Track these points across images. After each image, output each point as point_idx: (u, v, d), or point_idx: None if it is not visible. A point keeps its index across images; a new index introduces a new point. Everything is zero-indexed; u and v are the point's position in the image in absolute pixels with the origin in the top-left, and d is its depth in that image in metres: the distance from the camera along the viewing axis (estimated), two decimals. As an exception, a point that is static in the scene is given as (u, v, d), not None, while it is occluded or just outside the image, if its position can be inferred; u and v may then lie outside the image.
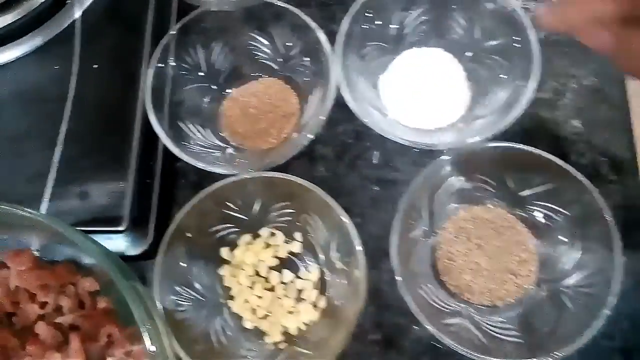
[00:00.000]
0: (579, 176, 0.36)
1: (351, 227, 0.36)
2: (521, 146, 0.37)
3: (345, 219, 0.36)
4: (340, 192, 0.44)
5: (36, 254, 0.39)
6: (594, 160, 0.43)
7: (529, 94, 0.38)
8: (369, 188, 0.44)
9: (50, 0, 0.48)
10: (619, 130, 0.44)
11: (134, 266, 0.43)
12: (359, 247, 0.35)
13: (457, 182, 0.39)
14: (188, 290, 0.39)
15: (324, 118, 0.39)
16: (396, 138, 0.39)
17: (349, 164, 0.45)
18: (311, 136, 0.38)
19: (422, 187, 0.37)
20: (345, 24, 0.40)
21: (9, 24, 0.47)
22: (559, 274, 0.39)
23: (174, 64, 0.43)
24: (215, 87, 0.46)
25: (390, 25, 0.44)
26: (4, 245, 0.39)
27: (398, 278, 0.34)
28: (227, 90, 0.46)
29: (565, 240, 0.39)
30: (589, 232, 0.37)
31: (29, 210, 0.36)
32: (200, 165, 0.38)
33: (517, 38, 0.40)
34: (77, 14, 0.48)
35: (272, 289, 0.41)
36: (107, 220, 0.42)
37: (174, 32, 0.42)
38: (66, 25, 0.48)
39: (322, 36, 0.40)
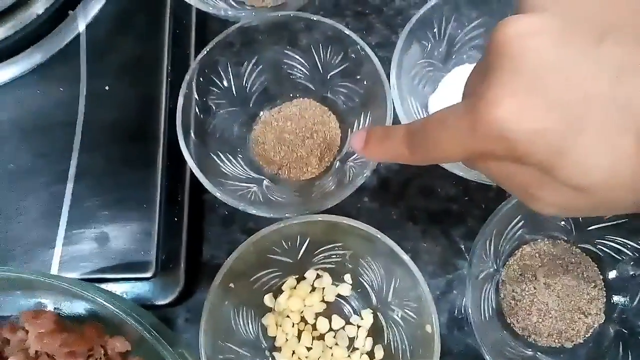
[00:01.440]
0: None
1: (419, 276, 0.32)
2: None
3: (412, 266, 0.32)
4: (388, 224, 0.40)
5: (56, 310, 0.34)
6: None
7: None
8: (418, 219, 0.40)
9: (50, 11, 0.42)
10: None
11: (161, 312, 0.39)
12: (429, 299, 0.31)
13: (524, 219, 0.36)
14: (231, 346, 0.34)
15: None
16: (453, 169, 0.35)
17: (396, 192, 0.41)
18: (368, 173, 0.34)
19: (489, 234, 0.34)
20: (400, 42, 0.36)
21: (3, 39, 0.41)
22: (631, 312, 0.36)
23: (201, 86, 0.38)
24: (245, 110, 0.41)
25: (441, 41, 0.40)
26: (20, 304, 0.34)
27: (478, 340, 0.31)
28: (258, 114, 0.41)
29: (637, 274, 0.36)
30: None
31: (36, 273, 0.31)
32: (241, 206, 0.34)
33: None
34: (82, 26, 0.43)
35: (321, 338, 0.37)
36: (131, 266, 0.37)
37: (204, 55, 0.37)
38: (69, 39, 0.42)
39: (374, 57, 0.36)
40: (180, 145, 0.35)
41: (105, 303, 0.30)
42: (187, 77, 0.37)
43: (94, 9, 0.43)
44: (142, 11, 0.42)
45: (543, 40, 0.17)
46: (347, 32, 0.36)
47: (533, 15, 0.18)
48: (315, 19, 0.37)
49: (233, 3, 0.44)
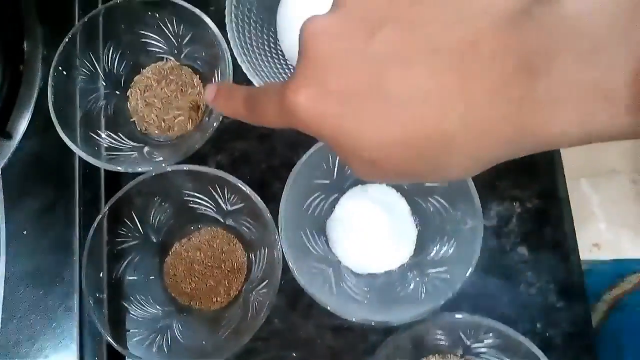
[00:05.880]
0: (521, 339, 0.37)
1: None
2: (467, 319, 0.37)
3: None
4: (297, 343, 0.43)
5: None
6: (542, 289, 0.43)
7: (477, 249, 0.38)
8: (325, 337, 0.43)
9: (-35, 158, 0.44)
10: (565, 252, 0.44)
11: None
12: None
13: (412, 343, 0.39)
14: None
15: (275, 289, 0.38)
16: (348, 316, 0.38)
17: (303, 312, 0.44)
18: (271, 301, 0.37)
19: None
20: (284, 196, 0.38)
21: None
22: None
23: (110, 234, 0.41)
24: (156, 244, 0.43)
25: (333, 170, 0.42)
26: None
27: None
28: (170, 245, 0.44)
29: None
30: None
31: None
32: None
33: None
34: (-4, 171, 0.45)
35: None
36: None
37: (106, 210, 0.39)
38: (-14, 184, 0.45)
39: (262, 206, 0.38)
40: (87, 310, 0.38)
41: None
42: (90, 233, 0.39)
43: (7, 153, 0.45)
44: (53, 155, 0.45)
45: (325, 36, 0.20)
46: (231, 179, 0.39)
47: (327, 14, 0.21)
48: (202, 170, 0.39)
49: (138, 135, 0.46)
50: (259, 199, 0.39)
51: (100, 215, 0.39)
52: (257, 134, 0.47)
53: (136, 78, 0.47)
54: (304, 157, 0.39)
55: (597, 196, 1.37)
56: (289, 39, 0.44)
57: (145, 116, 0.46)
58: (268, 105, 0.22)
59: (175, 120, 0.46)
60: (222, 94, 0.27)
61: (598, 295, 0.55)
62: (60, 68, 0.42)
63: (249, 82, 0.47)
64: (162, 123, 0.46)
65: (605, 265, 0.63)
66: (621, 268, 0.59)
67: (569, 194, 0.45)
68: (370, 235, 0.43)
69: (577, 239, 0.45)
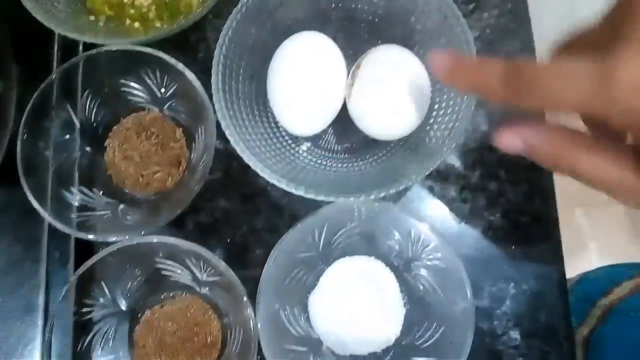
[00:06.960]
0: None
1: None
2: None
3: None
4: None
5: None
6: (533, 378, 0.41)
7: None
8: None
9: None
10: (559, 339, 0.42)
11: None
12: None
13: None
14: None
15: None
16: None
17: (279, 390, 0.41)
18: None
19: None
20: (264, 276, 0.36)
21: None
22: None
23: (77, 301, 0.38)
24: (126, 312, 0.41)
25: (319, 243, 0.40)
26: None
27: None
28: (140, 311, 0.41)
29: None
30: None
31: None
32: None
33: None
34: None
35: None
36: None
37: (75, 279, 0.37)
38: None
39: (239, 286, 0.36)
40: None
41: None
42: (59, 298, 0.36)
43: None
44: (21, 207, 0.42)
45: None
46: (206, 254, 0.37)
47: None
48: (178, 244, 0.37)
49: (113, 190, 0.43)
50: (237, 278, 0.36)
51: (69, 284, 0.37)
52: (240, 194, 0.44)
53: (115, 128, 0.44)
54: (290, 232, 0.37)
55: (590, 227, 1.34)
56: (278, 97, 0.41)
57: (123, 170, 0.43)
58: (564, 82, 0.19)
59: (154, 176, 0.43)
60: (464, 68, 0.22)
61: (593, 301, 0.53)
62: (32, 120, 0.39)
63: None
64: (140, 178, 0.43)
65: (600, 271, 0.60)
66: (616, 274, 0.56)
67: (559, 223, 0.43)
68: (354, 311, 0.40)
69: (567, 270, 0.42)
